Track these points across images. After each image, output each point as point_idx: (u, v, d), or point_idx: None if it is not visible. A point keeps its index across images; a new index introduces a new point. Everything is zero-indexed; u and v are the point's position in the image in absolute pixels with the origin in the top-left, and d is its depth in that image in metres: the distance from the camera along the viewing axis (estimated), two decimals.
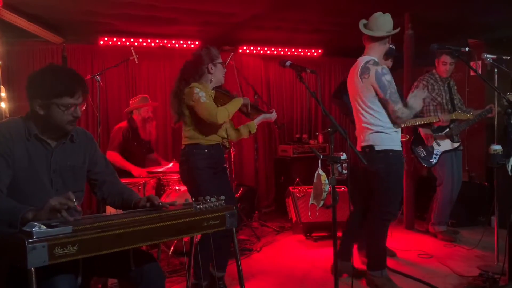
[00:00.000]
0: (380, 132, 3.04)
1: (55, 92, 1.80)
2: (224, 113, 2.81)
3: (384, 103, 3.02)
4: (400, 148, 3.14)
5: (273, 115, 3.20)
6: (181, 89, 2.90)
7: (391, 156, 3.04)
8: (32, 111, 1.86)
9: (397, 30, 3.13)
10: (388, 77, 2.98)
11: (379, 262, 3.12)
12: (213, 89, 3.00)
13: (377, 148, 3.03)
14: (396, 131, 3.09)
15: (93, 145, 2.11)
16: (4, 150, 1.78)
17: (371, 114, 3.05)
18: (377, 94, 3.01)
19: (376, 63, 3.04)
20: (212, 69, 2.94)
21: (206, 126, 2.89)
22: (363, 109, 3.09)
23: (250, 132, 3.20)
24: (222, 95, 3.00)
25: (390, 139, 3.05)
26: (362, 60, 3.12)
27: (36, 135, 1.86)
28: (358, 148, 3.18)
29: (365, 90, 3.04)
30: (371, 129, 3.06)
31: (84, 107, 1.93)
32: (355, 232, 3.35)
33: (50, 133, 1.90)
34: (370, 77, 3.00)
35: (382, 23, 3.07)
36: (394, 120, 3.04)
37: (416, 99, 3.07)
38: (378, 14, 3.10)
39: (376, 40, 3.10)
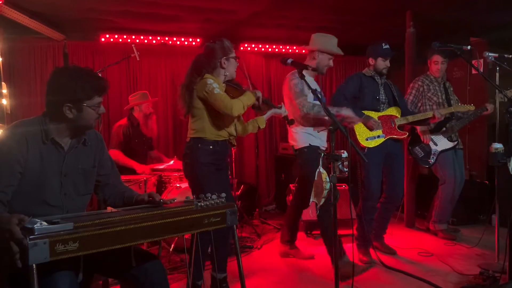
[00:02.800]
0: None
1: (87, 95, 1.81)
2: (239, 105, 2.71)
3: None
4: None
5: (282, 110, 3.12)
6: (193, 80, 2.79)
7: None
8: (57, 114, 1.82)
9: None
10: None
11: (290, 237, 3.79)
12: (224, 82, 2.91)
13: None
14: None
15: (102, 146, 2.09)
16: (16, 158, 1.75)
17: None
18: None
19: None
20: (225, 63, 2.86)
21: (217, 121, 2.81)
22: None
23: (259, 127, 3.13)
24: (232, 89, 2.90)
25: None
26: None
27: (52, 139, 1.84)
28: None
29: None
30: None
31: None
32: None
33: (68, 134, 1.88)
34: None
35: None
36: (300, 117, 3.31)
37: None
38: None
39: None
